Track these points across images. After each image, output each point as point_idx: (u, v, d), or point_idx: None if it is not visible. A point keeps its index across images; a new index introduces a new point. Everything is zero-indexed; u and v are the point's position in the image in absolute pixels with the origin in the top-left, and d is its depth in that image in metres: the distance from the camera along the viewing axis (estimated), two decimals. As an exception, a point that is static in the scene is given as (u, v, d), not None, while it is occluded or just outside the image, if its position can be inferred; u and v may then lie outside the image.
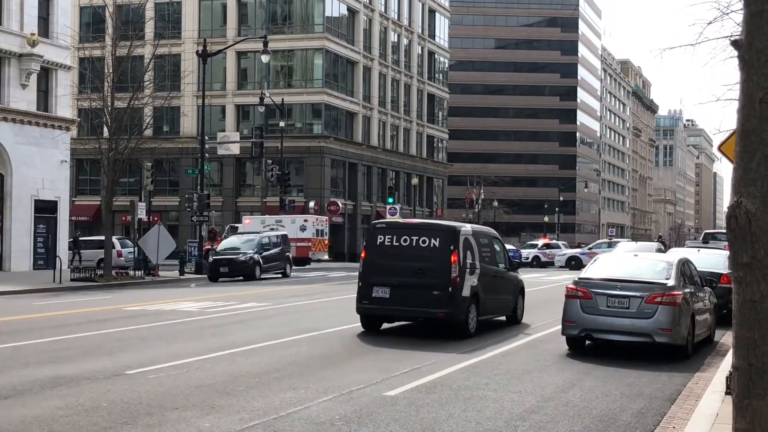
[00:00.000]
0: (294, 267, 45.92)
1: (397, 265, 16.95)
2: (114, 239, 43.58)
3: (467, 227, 18.45)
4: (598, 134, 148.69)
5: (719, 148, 12.77)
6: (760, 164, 4.86)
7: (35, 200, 41.34)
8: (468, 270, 17.05)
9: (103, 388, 11.15)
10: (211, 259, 39.17)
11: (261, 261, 38.34)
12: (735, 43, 5.03)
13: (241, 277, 37.64)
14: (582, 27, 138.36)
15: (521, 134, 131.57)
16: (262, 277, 37.94)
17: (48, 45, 41.63)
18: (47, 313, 21.88)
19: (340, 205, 69.31)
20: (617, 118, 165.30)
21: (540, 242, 70.14)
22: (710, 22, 12.24)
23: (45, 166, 41.65)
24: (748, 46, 4.92)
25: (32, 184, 41.08)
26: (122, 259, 44.18)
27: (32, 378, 11.84)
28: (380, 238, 17.51)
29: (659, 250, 30.91)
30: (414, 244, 17.11)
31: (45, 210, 41.90)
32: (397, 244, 17.26)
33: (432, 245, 16.98)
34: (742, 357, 4.95)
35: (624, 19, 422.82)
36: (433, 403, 10.61)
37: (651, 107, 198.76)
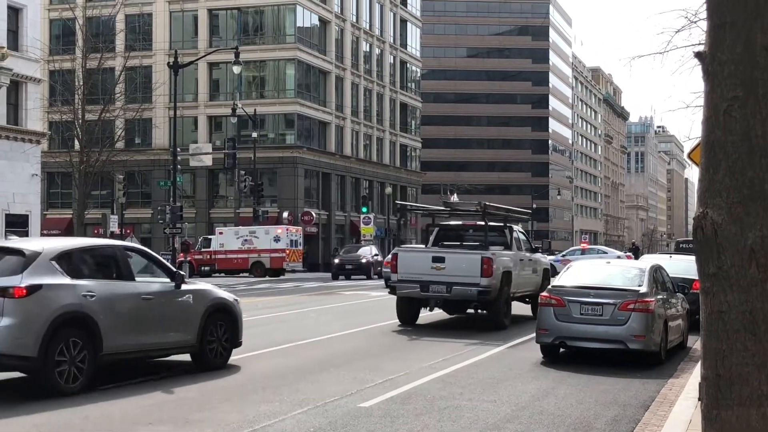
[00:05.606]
0: (268, 278, 48.62)
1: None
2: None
3: None
4: (570, 141, 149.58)
5: (689, 156, 12.90)
6: (725, 176, 4.90)
7: (6, 214, 40.98)
8: None
9: (75, 404, 11.05)
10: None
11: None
12: (699, 55, 5.06)
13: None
14: (552, 35, 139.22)
15: (494, 142, 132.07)
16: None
17: (17, 58, 41.30)
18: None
19: (314, 215, 69.23)
20: (589, 126, 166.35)
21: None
22: (678, 31, 12.33)
23: (15, 180, 41.29)
24: (712, 58, 4.96)
25: (2, 199, 40.71)
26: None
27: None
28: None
29: None
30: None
31: (16, 224, 41.49)
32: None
33: None
34: (710, 368, 4.98)
35: (594, 27, 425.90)
36: (408, 414, 10.60)
37: (622, 114, 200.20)
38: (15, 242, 13.02)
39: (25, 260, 11.39)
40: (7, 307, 10.87)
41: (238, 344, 14.55)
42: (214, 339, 13.81)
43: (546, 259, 26.41)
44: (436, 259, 20.28)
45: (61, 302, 11.32)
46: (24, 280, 11.07)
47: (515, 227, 23.69)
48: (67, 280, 11.53)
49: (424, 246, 24.34)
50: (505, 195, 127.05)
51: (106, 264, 12.67)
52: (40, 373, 11.21)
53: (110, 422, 10.11)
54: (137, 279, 12.89)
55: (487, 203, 21.96)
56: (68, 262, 11.90)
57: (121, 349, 12.27)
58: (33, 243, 12.58)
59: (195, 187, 71.60)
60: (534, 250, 24.50)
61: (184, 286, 13.42)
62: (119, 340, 12.13)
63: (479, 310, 21.93)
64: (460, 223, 24.87)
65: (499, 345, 17.64)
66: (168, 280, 13.32)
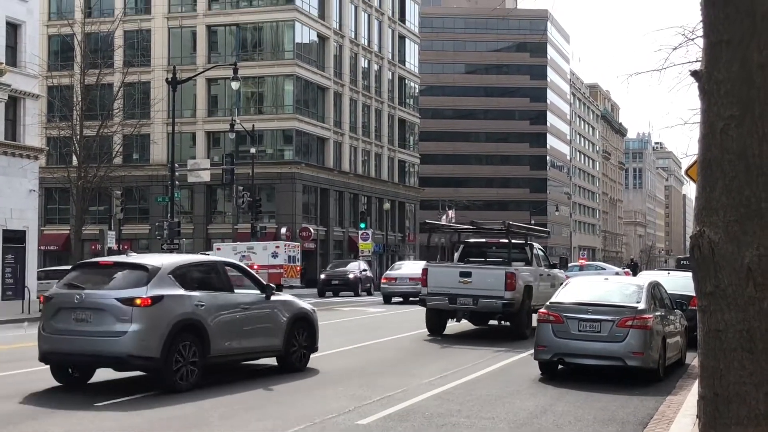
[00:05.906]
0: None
1: None
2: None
3: None
4: (568, 157, 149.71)
5: (686, 172, 12.90)
6: (722, 194, 4.89)
7: (3, 230, 40.88)
8: None
9: (73, 421, 11.00)
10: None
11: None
12: (695, 74, 5.06)
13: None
14: (550, 52, 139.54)
15: (492, 158, 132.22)
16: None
17: (16, 74, 41.30)
18: (14, 345, 21.60)
19: (312, 231, 69.16)
20: (587, 142, 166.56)
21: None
22: (675, 48, 12.39)
23: (13, 196, 41.22)
24: (708, 77, 4.96)
25: (0, 214, 40.65)
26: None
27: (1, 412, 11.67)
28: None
29: None
30: None
31: (13, 240, 41.40)
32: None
33: None
34: (707, 387, 4.96)
35: (592, 44, 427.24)
36: (406, 431, 10.55)
37: (620, 130, 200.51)
38: (137, 258, 14.44)
39: (148, 274, 12.96)
40: (135, 315, 12.52)
41: (315, 349, 16.09)
42: (297, 344, 15.43)
43: (563, 274, 28.08)
44: (463, 274, 22.06)
45: (178, 310, 12.97)
46: (149, 292, 12.66)
47: (535, 245, 25.41)
48: (182, 292, 13.11)
49: (448, 262, 25.61)
50: (503, 211, 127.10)
51: (211, 277, 14.31)
52: (161, 372, 12.77)
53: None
54: (235, 290, 14.50)
55: (511, 222, 23.44)
56: (182, 275, 13.50)
57: (224, 352, 13.87)
58: (153, 259, 14.09)
59: (193, 202, 71.55)
60: (552, 266, 26.30)
61: (273, 298, 15.06)
62: (223, 344, 13.71)
63: (502, 322, 23.20)
64: (483, 240, 26.64)
65: (496, 362, 17.63)
66: (258, 291, 14.92)
